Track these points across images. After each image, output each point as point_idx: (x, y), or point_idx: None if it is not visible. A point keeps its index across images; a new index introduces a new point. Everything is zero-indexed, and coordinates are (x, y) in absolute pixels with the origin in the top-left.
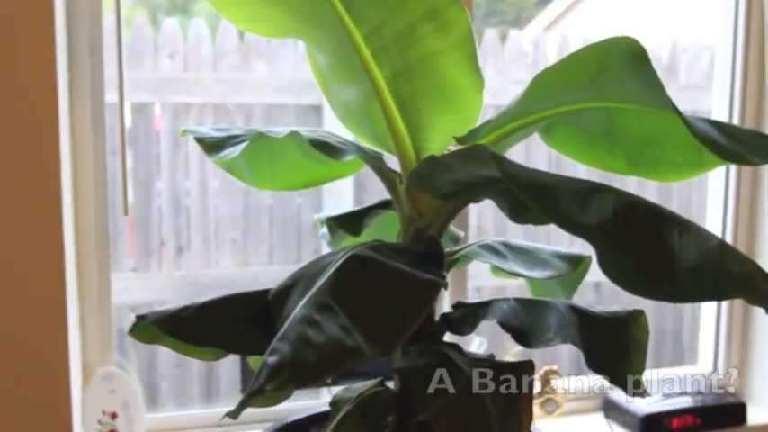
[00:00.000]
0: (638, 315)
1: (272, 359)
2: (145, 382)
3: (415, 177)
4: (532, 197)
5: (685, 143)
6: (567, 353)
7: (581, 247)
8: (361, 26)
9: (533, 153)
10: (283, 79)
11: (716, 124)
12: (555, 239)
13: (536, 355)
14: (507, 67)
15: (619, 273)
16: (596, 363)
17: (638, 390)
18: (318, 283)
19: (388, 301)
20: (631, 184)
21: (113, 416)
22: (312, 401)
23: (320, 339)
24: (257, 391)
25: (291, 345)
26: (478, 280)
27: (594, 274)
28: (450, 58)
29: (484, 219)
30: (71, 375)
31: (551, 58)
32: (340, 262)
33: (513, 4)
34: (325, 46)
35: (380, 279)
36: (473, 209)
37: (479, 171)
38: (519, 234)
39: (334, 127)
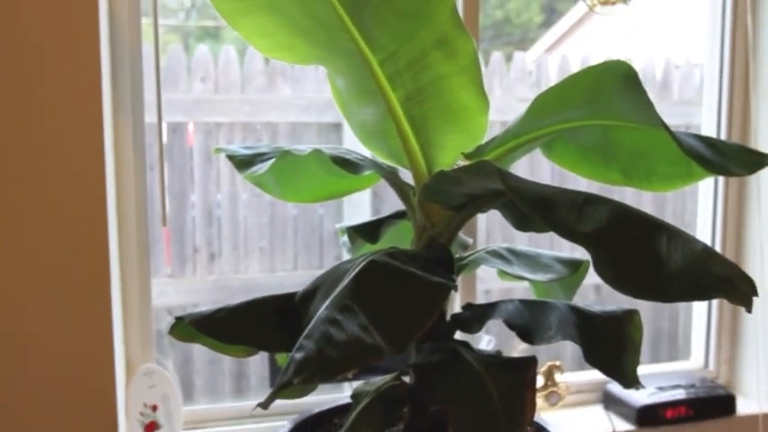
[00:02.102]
0: (632, 314)
1: (298, 355)
2: (181, 378)
3: (427, 190)
4: (533, 208)
5: (675, 157)
6: (570, 350)
7: (582, 253)
8: (377, 53)
9: (537, 167)
10: (306, 100)
11: (703, 139)
12: (558, 245)
13: (541, 351)
14: (512, 86)
15: (612, 275)
16: (594, 358)
17: (633, 383)
18: (340, 287)
19: (403, 303)
20: (629, 194)
21: (154, 408)
22: (336, 395)
23: (342, 337)
24: (285, 384)
25: (316, 342)
26: (487, 283)
27: (595, 276)
28: (458, 81)
29: (493, 226)
30: (116, 372)
31: (553, 77)
32: (359, 267)
33: (519, 26)
34: (344, 71)
35: (396, 282)
36: (482, 217)
37: (485, 184)
38: (525, 240)
39: (354, 144)
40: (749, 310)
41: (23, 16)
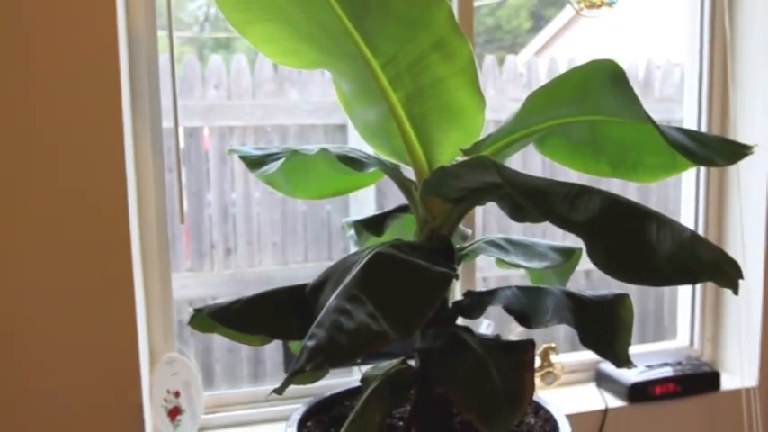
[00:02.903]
0: (623, 297)
1: (310, 343)
2: (202, 364)
3: (428, 185)
4: (529, 199)
5: (660, 149)
6: (563, 332)
7: (572, 241)
8: (378, 57)
9: (530, 160)
10: (313, 103)
11: (686, 132)
12: (550, 235)
13: (536, 334)
14: (505, 87)
15: (605, 262)
16: (588, 340)
17: (625, 362)
18: (348, 278)
19: (408, 292)
20: (615, 184)
21: (177, 394)
22: (346, 378)
23: (351, 325)
24: (298, 371)
25: (326, 330)
26: (485, 271)
27: (585, 263)
28: (455, 82)
29: (489, 217)
30: (141, 361)
31: (543, 78)
32: (366, 259)
33: (509, 31)
34: (348, 75)
35: (401, 273)
36: (479, 209)
37: (483, 178)
38: (519, 231)
39: (358, 143)
40: (736, 293)
41: (48, 33)
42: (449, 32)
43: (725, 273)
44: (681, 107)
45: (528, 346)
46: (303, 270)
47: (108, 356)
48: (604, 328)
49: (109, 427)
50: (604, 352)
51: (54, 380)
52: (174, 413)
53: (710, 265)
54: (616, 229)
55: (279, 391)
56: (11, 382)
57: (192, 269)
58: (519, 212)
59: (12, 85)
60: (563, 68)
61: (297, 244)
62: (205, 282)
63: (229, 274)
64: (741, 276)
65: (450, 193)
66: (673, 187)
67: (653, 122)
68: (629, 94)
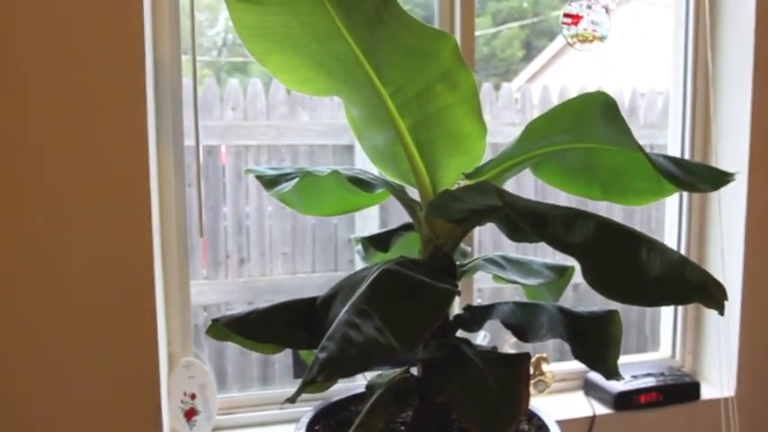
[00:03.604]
0: (613, 314)
1: (322, 355)
2: (214, 366)
3: (433, 206)
4: (527, 222)
5: (648, 175)
6: (552, 342)
7: (561, 259)
8: (388, 86)
9: (523, 183)
10: (322, 125)
11: (672, 159)
12: (541, 253)
13: (528, 344)
14: (501, 112)
15: (599, 282)
16: (580, 353)
17: (615, 374)
18: (357, 293)
19: (413, 307)
20: (601, 206)
21: (193, 396)
22: (351, 384)
23: (360, 339)
24: (311, 382)
25: (337, 343)
26: (481, 283)
27: (574, 277)
28: (459, 110)
29: (484, 235)
30: (160, 365)
31: (536, 104)
32: (374, 275)
33: (504, 59)
34: (359, 102)
35: (406, 289)
36: (475, 228)
37: (485, 201)
38: (512, 248)
39: (364, 163)
40: (722, 314)
41: (84, 60)
42: (454, 64)
43: (712, 295)
44: (664, 133)
45: (524, 359)
46: (311, 279)
47: (131, 361)
48: (596, 343)
49: (130, 427)
50: (595, 365)
51: (79, 383)
52: (190, 414)
53: (698, 288)
54: (609, 251)
55: (291, 400)
56: (40, 385)
57: (207, 277)
58: (516, 233)
59: (49, 106)
60: (555, 95)
61: (306, 255)
62: (220, 289)
63: (242, 282)
64: (726, 298)
65: (453, 214)
66: (656, 207)
67: (642, 151)
68: (620, 124)
